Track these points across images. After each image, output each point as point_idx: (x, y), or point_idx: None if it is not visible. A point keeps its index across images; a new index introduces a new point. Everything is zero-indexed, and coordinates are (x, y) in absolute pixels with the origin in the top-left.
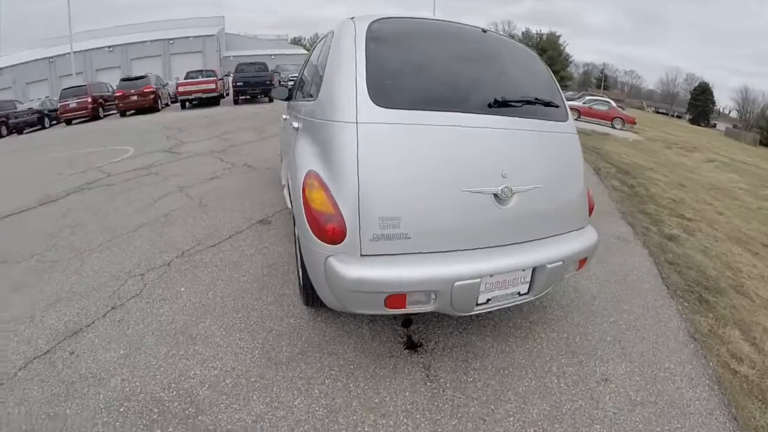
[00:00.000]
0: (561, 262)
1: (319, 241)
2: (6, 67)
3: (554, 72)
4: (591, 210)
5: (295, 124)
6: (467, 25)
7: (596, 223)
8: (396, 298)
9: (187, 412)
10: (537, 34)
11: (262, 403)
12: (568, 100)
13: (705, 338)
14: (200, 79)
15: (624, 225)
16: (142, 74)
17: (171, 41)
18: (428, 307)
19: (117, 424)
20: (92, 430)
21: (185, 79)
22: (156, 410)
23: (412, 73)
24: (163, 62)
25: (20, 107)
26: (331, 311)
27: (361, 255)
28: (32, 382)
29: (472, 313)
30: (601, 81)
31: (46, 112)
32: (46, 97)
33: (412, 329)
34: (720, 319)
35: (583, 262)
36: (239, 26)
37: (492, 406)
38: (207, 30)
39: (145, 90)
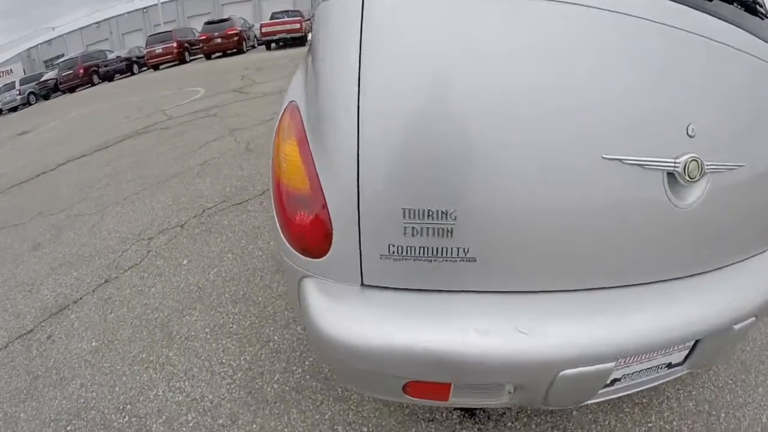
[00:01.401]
0: (753, 318)
1: (286, 244)
2: (103, 20)
3: None
4: None
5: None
6: None
7: None
8: (428, 387)
9: None
10: None
11: None
12: None
13: None
14: (285, 19)
15: None
16: (226, 17)
17: None
18: (498, 402)
19: None
20: None
21: (270, 19)
22: None
23: None
24: (253, 6)
25: (110, 56)
26: None
27: (364, 285)
28: (4, 369)
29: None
30: None
31: (134, 59)
32: (135, 46)
33: None
34: None
35: None
36: None
37: None
38: None
39: (229, 32)
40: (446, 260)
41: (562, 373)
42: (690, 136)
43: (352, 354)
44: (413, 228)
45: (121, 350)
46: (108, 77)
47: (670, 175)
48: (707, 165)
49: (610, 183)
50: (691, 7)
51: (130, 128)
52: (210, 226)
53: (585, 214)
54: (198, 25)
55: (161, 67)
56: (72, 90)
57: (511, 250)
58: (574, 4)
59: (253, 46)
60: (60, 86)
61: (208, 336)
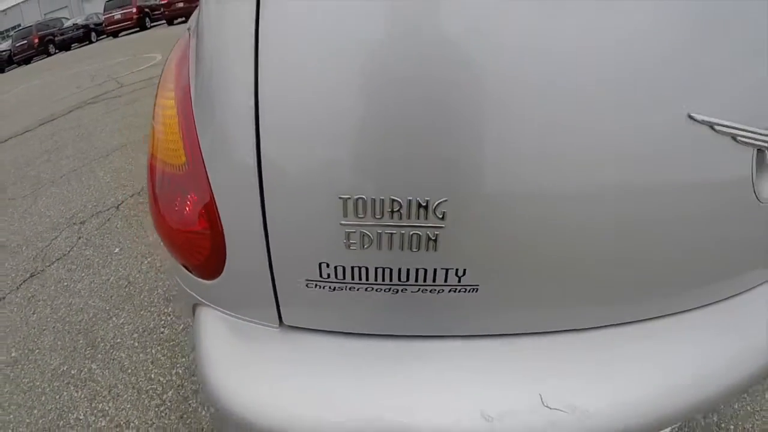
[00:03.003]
0: None
1: (169, 253)
2: None
3: None
4: None
5: None
6: None
7: None
8: None
9: None
10: None
11: None
12: None
13: None
14: None
15: None
16: None
17: None
18: None
19: None
20: None
21: None
22: None
23: None
24: None
25: (66, 24)
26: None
27: (283, 325)
28: None
29: None
30: None
31: (92, 26)
32: (93, 13)
33: None
34: None
35: None
36: None
37: None
38: None
39: None
40: (426, 290)
41: None
42: None
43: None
44: (363, 235)
45: (42, 362)
46: (65, 46)
47: (761, 154)
48: None
49: (691, 156)
50: None
51: (79, 98)
52: (148, 206)
53: (651, 200)
54: None
55: (121, 34)
56: (27, 61)
57: (543, 264)
58: None
59: None
60: (14, 58)
61: (136, 344)
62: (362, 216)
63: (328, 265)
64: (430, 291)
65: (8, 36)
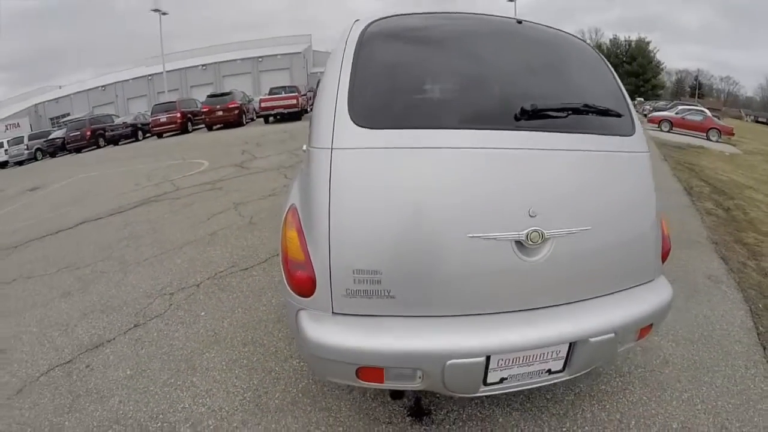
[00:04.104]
0: (612, 334)
1: (290, 290)
2: (109, 84)
3: (645, 80)
4: (665, 255)
5: (304, 147)
6: (500, 16)
7: (683, 257)
8: (370, 372)
9: None
10: (625, 40)
11: None
12: (658, 110)
13: None
14: (282, 94)
15: (716, 259)
16: (228, 90)
17: (260, 59)
18: (415, 385)
19: None
20: None
21: (268, 94)
22: None
23: (410, 81)
24: (252, 79)
25: (116, 121)
26: None
27: (333, 312)
28: (47, 389)
29: (479, 394)
30: (695, 89)
31: (139, 125)
32: (140, 113)
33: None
34: None
35: (646, 329)
36: (328, 43)
37: None
38: (294, 48)
39: (230, 105)
40: (377, 297)
41: (449, 362)
42: (531, 216)
43: (320, 349)
44: (358, 278)
45: (153, 377)
46: (113, 141)
47: (518, 242)
48: (548, 233)
49: (474, 249)
50: (534, 130)
51: (141, 196)
52: (223, 286)
53: (460, 270)
54: (200, 94)
55: (164, 135)
56: (78, 150)
57: (416, 293)
58: (450, 148)
59: (252, 119)
60: (67, 145)
61: (225, 367)
62: (359, 274)
63: (349, 289)
64: (380, 298)
65: (59, 122)
